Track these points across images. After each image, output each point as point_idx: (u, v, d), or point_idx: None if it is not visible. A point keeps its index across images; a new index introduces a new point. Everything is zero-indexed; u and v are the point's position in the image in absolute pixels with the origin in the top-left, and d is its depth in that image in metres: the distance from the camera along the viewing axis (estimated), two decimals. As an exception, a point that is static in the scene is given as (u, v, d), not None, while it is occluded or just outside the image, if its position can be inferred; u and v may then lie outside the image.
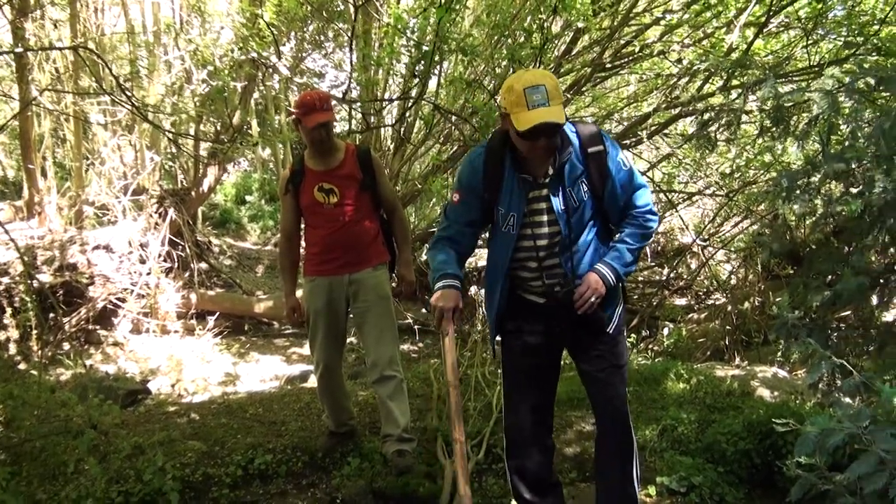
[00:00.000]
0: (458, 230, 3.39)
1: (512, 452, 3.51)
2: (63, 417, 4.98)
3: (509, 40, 6.62)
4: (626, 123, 8.79)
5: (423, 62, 5.60)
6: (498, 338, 3.57)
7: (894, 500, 2.47)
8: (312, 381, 7.78)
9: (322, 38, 9.42)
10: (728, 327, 8.62)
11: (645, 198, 3.35)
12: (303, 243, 4.73)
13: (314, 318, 4.55)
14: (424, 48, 5.75)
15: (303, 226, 4.63)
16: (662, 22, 7.95)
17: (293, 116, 4.50)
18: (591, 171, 3.21)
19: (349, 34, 6.86)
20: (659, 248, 12.75)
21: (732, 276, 9.95)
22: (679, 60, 8.20)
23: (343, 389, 4.84)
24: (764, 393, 6.08)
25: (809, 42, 7.85)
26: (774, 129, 3.86)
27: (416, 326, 9.42)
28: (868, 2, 7.86)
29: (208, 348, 9.19)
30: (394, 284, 4.96)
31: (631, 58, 8.33)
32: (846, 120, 3.56)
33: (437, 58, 5.84)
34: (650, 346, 9.14)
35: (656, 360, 8.27)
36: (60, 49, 9.08)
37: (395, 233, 4.69)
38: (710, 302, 10.14)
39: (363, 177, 4.45)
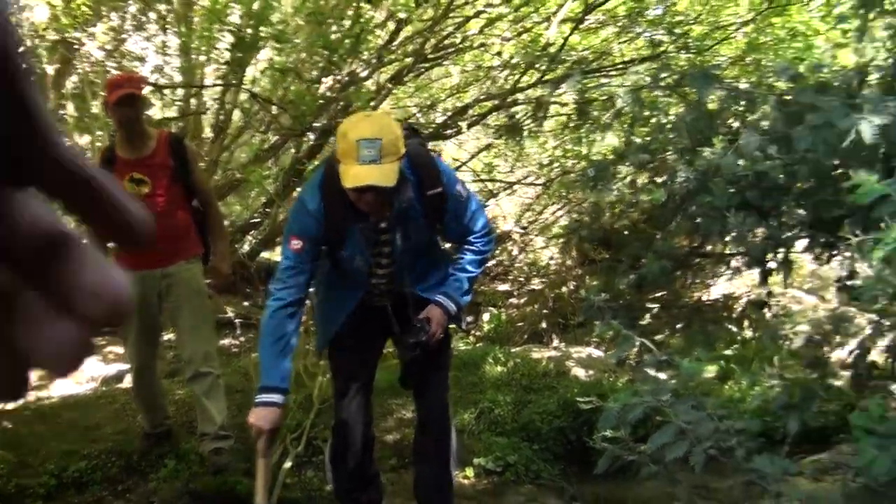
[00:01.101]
0: (298, 284, 3.17)
1: (338, 446, 3.54)
2: None
3: (325, 26, 6.58)
4: (448, 114, 8.90)
5: (239, 49, 5.49)
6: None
7: (695, 467, 2.66)
8: (129, 381, 7.52)
9: (144, 18, 9.04)
10: (545, 311, 8.94)
11: (482, 222, 3.37)
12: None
13: None
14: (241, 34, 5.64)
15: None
16: (483, 15, 8.11)
17: (103, 99, 4.33)
18: (429, 212, 3.20)
19: (163, 18, 6.63)
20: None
21: (551, 262, 10.30)
22: (499, 53, 8.40)
23: (158, 388, 4.70)
24: (579, 372, 6.35)
25: (625, 39, 8.24)
26: (580, 120, 4.04)
27: (237, 320, 9.23)
28: (683, 2, 8.32)
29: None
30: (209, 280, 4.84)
31: (452, 49, 8.45)
32: (653, 113, 3.77)
33: (254, 44, 5.73)
34: (471, 332, 9.33)
35: (477, 345, 8.48)
36: None
37: (209, 224, 4.55)
38: (529, 287, 10.46)
39: (176, 166, 4.29)
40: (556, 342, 8.38)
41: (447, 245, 3.75)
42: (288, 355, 3.16)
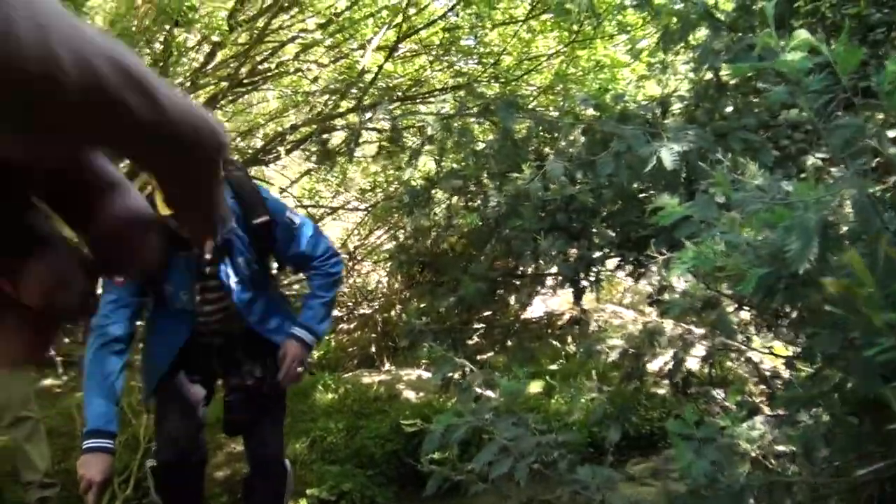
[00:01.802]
0: (123, 318, 3.01)
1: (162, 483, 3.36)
2: None
3: (137, 50, 6.41)
4: (266, 139, 8.85)
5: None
6: None
7: (520, 482, 2.76)
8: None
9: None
10: (374, 335, 8.97)
11: (323, 245, 3.31)
12: None
13: None
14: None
15: None
16: (298, 41, 8.11)
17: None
18: (257, 242, 3.12)
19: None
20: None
21: (379, 286, 10.35)
22: (315, 79, 8.42)
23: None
24: (410, 395, 6.41)
25: (439, 68, 8.45)
26: (393, 147, 4.13)
27: (58, 359, 8.78)
28: (493, 35, 8.60)
29: None
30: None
31: (268, 74, 8.41)
32: (462, 140, 3.89)
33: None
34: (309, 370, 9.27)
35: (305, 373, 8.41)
36: None
37: None
38: (359, 312, 10.46)
39: None
40: (386, 366, 8.42)
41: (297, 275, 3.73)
42: (115, 396, 2.96)
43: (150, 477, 3.34)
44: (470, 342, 5.06)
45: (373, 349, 8.68)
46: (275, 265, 3.45)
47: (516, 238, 3.86)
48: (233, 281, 3.08)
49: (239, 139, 9.25)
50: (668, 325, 3.91)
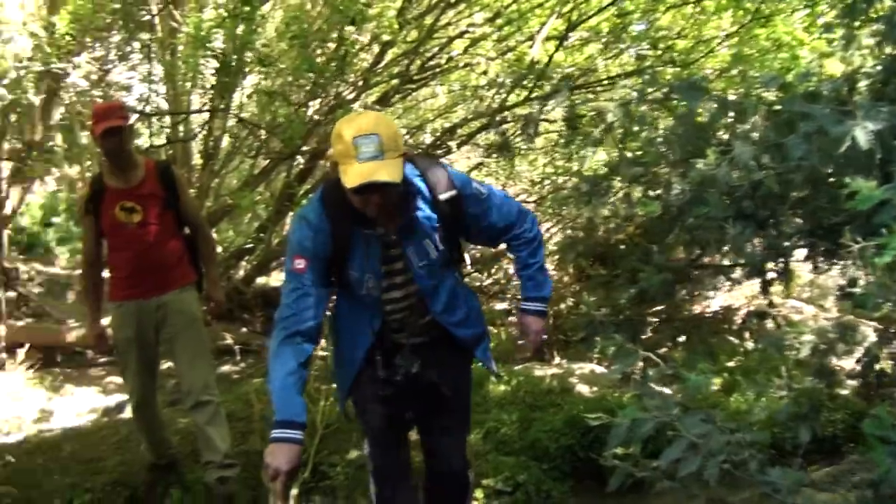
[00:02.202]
0: (305, 309, 2.86)
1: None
2: None
3: (309, 49, 6.58)
4: (436, 134, 8.94)
5: (224, 74, 5.47)
6: None
7: (709, 481, 2.64)
8: (130, 412, 7.47)
9: (129, 49, 9.05)
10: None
11: (515, 208, 3.19)
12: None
13: (124, 347, 4.37)
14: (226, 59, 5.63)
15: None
16: (467, 35, 8.15)
17: (90, 132, 4.35)
18: (447, 219, 2.96)
19: (146, 46, 6.62)
20: (477, 254, 13.04)
21: (548, 279, 10.27)
22: (484, 72, 8.43)
23: (160, 419, 4.68)
24: (583, 389, 6.33)
25: (610, 55, 8.27)
26: (570, 136, 4.03)
27: (236, 347, 9.20)
28: (665, 19, 8.34)
29: (20, 383, 8.59)
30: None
31: (438, 70, 8.48)
32: (643, 127, 3.76)
33: (239, 69, 5.72)
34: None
35: (478, 363, 8.44)
36: None
37: (201, 251, 4.55)
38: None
39: (166, 194, 4.30)
40: (557, 359, 8.34)
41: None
42: (300, 388, 2.86)
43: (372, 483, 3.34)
44: (643, 336, 4.91)
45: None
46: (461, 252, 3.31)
47: (700, 227, 3.70)
48: (418, 265, 2.97)
49: (409, 136, 9.39)
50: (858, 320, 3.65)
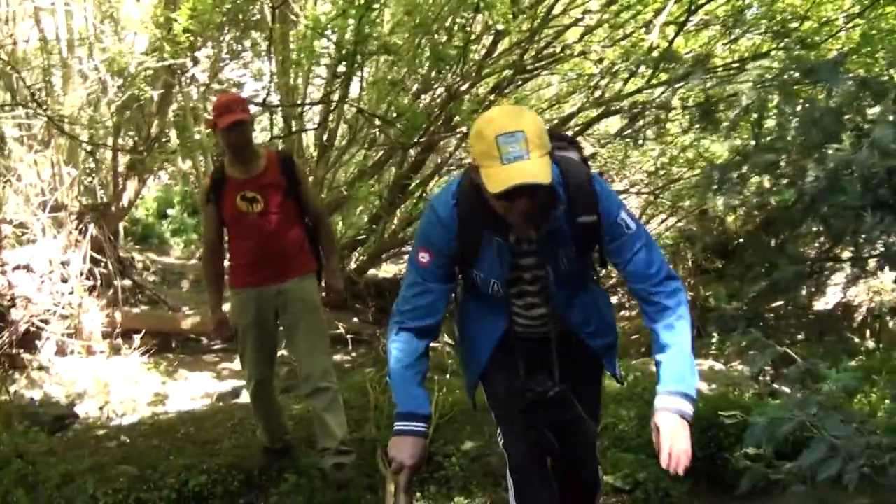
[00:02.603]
0: (423, 306, 2.71)
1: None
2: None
3: (433, 38, 6.54)
4: (549, 125, 8.82)
5: (344, 64, 5.47)
6: None
7: (848, 486, 2.48)
8: (244, 397, 7.59)
9: (240, 47, 9.24)
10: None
11: (657, 262, 2.70)
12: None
13: (243, 332, 4.41)
14: (345, 50, 5.64)
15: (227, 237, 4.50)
16: (581, 23, 8.00)
17: (210, 123, 4.39)
18: (580, 239, 2.68)
19: (267, 39, 6.71)
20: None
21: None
22: (600, 60, 8.27)
23: (276, 404, 4.72)
24: (701, 386, 6.13)
25: (730, 39, 7.98)
26: (703, 123, 3.87)
27: (348, 336, 9.29)
28: (783, 1, 8.01)
29: (136, 368, 8.89)
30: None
31: (552, 59, 8.37)
32: (775, 112, 3.59)
33: (358, 59, 5.72)
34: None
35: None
36: None
37: (321, 241, 4.57)
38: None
39: (287, 184, 4.32)
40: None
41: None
42: (420, 380, 2.73)
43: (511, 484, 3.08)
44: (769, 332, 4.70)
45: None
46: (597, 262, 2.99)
47: (835, 216, 3.49)
48: (551, 276, 2.73)
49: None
50: None
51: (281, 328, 4.50)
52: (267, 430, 4.65)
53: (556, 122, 8.80)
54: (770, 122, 3.65)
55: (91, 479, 4.31)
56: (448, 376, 6.32)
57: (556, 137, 2.71)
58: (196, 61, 7.64)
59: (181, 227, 16.39)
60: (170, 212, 17.01)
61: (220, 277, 4.59)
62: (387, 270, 12.55)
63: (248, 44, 9.05)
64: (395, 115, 7.07)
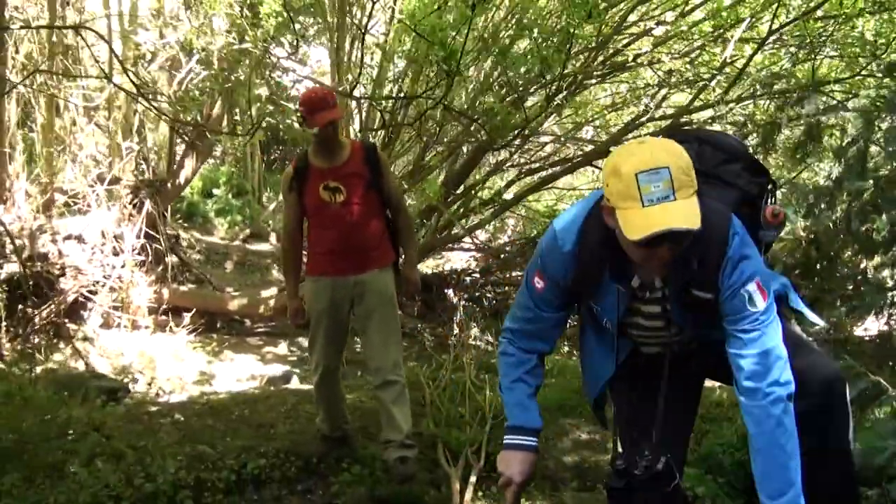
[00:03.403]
0: (538, 328, 2.60)
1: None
2: (65, 419, 4.89)
3: (539, 40, 6.51)
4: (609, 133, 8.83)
5: (449, 62, 5.45)
6: None
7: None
8: (295, 383, 7.66)
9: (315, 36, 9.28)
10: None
11: (776, 362, 2.28)
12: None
13: (316, 320, 4.43)
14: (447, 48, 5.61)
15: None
16: (654, 32, 7.96)
17: (298, 113, 4.41)
18: (692, 308, 2.40)
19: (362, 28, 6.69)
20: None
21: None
22: (669, 72, 8.20)
23: (341, 393, 4.73)
24: (753, 404, 6.10)
25: (812, 59, 7.86)
26: (809, 144, 3.85)
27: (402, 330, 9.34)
28: (869, 24, 7.82)
29: (182, 345, 8.96)
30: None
31: (619, 67, 8.34)
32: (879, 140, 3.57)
33: (462, 58, 5.65)
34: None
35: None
36: (61, 28, 8.79)
37: (399, 232, 4.57)
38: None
39: (369, 174, 4.33)
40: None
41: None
42: (530, 394, 2.61)
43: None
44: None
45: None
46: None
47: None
48: (675, 324, 2.46)
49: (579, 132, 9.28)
50: None
51: (355, 319, 4.51)
52: (328, 417, 4.67)
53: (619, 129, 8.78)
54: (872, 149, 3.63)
55: (168, 456, 4.32)
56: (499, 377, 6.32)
57: (707, 160, 2.52)
58: (278, 44, 7.67)
59: (226, 207, 16.49)
60: (215, 192, 17.12)
61: (299, 264, 4.63)
62: (427, 265, 12.54)
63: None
64: (485, 114, 7.03)
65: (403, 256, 4.64)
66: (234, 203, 16.79)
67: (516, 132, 7.55)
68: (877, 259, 4.21)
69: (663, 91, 8.68)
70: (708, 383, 6.40)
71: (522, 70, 6.66)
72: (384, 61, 7.68)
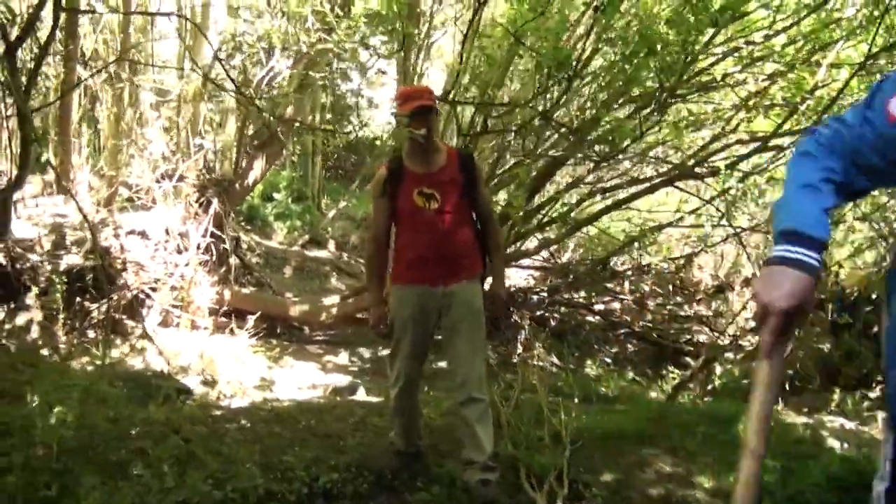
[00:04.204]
0: (848, 151, 1.94)
1: None
2: (142, 420, 4.83)
3: (659, 49, 6.35)
4: (691, 153, 8.62)
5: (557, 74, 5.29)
6: None
7: None
8: (361, 394, 7.50)
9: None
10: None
11: None
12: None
13: (401, 329, 4.28)
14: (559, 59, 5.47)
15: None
16: (741, 52, 7.74)
17: (396, 112, 4.32)
18: None
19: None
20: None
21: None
22: (757, 93, 7.98)
23: (419, 407, 4.59)
24: (834, 444, 5.87)
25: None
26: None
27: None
28: None
29: (242, 349, 8.86)
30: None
31: (704, 86, 8.13)
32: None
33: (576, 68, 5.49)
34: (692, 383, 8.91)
35: (704, 399, 8.09)
36: (160, 15, 8.83)
37: (488, 243, 4.42)
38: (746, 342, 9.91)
39: (464, 182, 4.19)
40: (781, 405, 7.83)
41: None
42: (824, 206, 1.89)
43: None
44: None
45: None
46: None
47: None
48: None
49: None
50: None
51: (441, 331, 4.36)
52: (404, 432, 4.51)
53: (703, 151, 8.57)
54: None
55: (239, 464, 4.23)
56: (577, 400, 6.14)
57: None
58: (367, 47, 7.62)
59: (286, 212, 16.54)
60: (276, 196, 17.19)
61: (384, 271, 4.48)
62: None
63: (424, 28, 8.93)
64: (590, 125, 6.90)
65: (490, 269, 4.49)
66: (294, 208, 16.84)
67: (625, 144, 7.40)
68: None
69: (747, 114, 8.47)
70: (789, 419, 6.22)
71: (643, 77, 6.53)
72: (487, 65, 7.54)
